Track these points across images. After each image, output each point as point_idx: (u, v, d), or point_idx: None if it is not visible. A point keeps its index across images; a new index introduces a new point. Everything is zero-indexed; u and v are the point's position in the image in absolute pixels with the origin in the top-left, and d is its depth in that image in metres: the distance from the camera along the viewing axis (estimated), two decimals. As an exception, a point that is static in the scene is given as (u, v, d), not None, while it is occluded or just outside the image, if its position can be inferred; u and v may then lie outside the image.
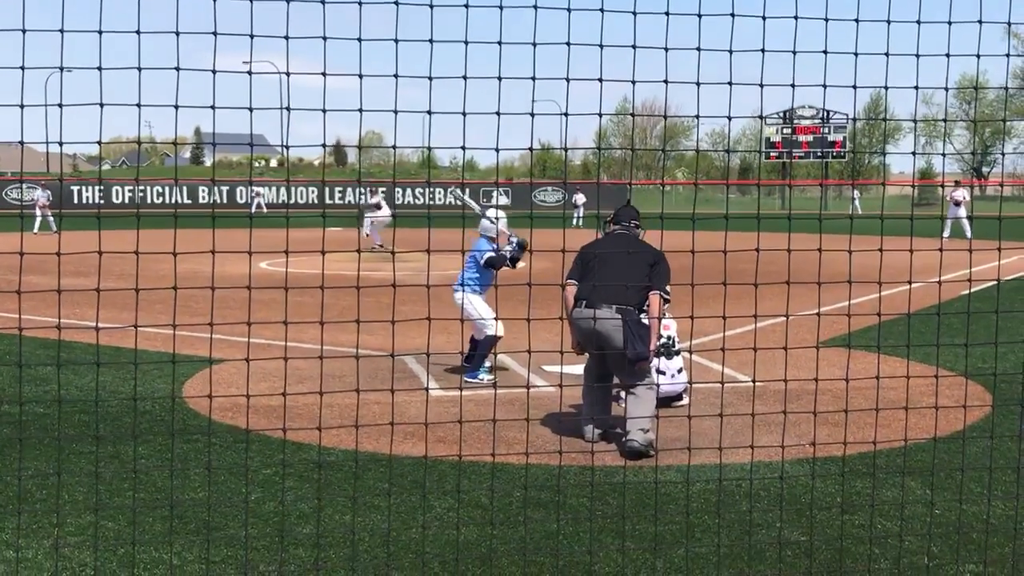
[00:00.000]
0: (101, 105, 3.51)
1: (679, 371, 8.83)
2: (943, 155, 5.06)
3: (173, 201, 58.43)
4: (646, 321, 7.43)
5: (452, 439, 7.30)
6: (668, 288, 7.61)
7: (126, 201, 58.18)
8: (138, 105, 3.66)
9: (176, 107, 3.66)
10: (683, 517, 5.77)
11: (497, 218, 9.93)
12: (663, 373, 8.68)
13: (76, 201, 56.20)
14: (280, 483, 6.36)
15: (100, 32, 3.59)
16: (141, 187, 59.27)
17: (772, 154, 67.62)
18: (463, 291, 9.50)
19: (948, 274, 5.51)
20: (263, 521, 5.69)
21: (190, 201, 59.68)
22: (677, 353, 8.90)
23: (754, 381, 5.34)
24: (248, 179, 61.80)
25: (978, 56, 4.63)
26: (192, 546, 5.26)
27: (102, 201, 57.26)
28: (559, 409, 8.12)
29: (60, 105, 3.57)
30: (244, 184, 59.35)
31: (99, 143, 3.66)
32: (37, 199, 38.21)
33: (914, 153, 4.77)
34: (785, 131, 65.96)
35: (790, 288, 4.75)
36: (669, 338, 8.96)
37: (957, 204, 32.10)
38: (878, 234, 4.88)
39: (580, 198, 48.50)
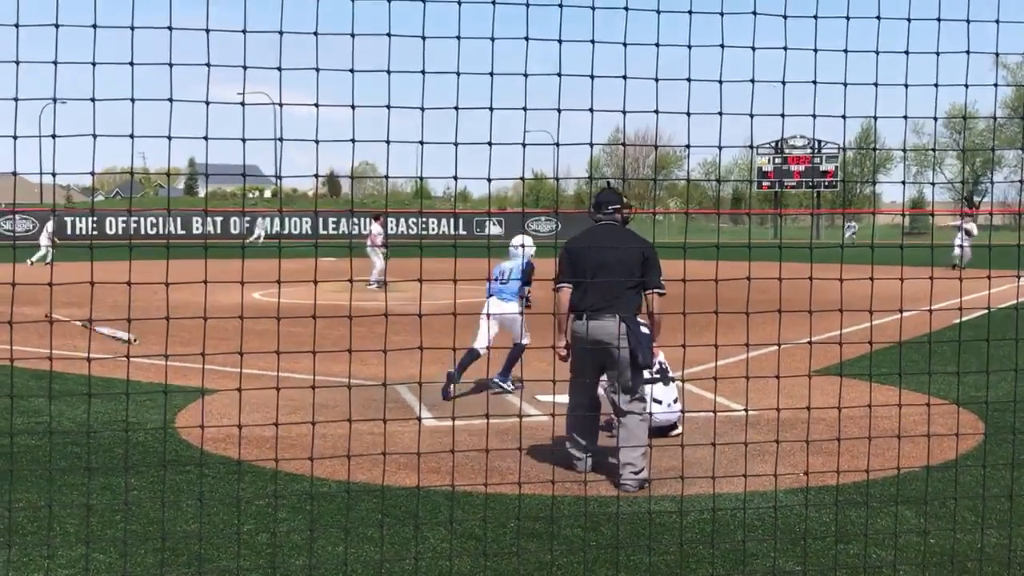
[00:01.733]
0: (94, 136, 3.53)
1: (675, 400, 8.82)
2: (932, 184, 5.09)
3: (167, 232, 58.40)
4: (644, 329, 7.34)
5: (445, 469, 7.28)
6: (662, 281, 7.37)
7: (120, 232, 58.14)
8: (131, 136, 3.68)
9: (169, 138, 3.68)
10: (677, 547, 5.75)
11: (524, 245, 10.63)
12: (659, 402, 8.65)
13: (70, 232, 56.15)
14: (273, 514, 6.34)
15: (94, 64, 3.61)
16: (135, 218, 59.25)
17: (764, 184, 67.89)
18: (518, 301, 10.26)
19: (939, 303, 5.53)
20: (256, 553, 5.66)
21: (184, 232, 59.67)
22: (672, 380, 8.89)
23: (747, 410, 5.35)
24: (241, 209, 61.82)
25: (966, 86, 4.68)
26: (184, 578, 5.23)
27: (96, 232, 57.18)
28: (552, 438, 8.11)
29: (53, 136, 3.59)
30: (237, 214, 59.39)
31: (92, 174, 3.67)
32: (47, 232, 38.23)
33: (903, 183, 4.80)
34: (777, 161, 66.28)
35: (782, 317, 4.76)
36: (663, 365, 8.94)
37: (968, 234, 32.23)
38: (869, 263, 4.90)
39: None
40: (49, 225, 38.42)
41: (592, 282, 7.25)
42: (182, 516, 6.34)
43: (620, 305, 7.25)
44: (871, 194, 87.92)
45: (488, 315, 10.11)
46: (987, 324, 5.71)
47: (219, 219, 60.96)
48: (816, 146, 64.27)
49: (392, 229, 62.06)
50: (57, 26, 3.53)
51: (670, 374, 8.94)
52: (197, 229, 59.33)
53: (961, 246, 31.03)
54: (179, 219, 60.64)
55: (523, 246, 10.71)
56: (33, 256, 35.89)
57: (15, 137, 3.56)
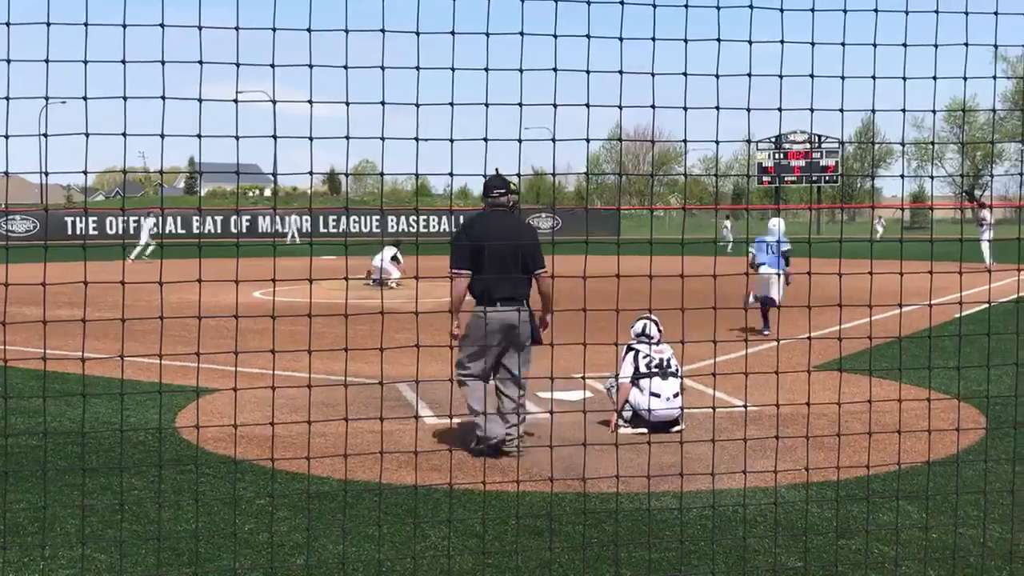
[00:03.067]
0: (87, 135, 3.51)
1: (675, 395, 8.80)
2: (931, 177, 5.08)
3: (166, 231, 58.30)
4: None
5: (446, 467, 7.27)
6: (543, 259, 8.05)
7: (120, 232, 58.04)
8: (123, 135, 3.66)
9: (162, 136, 3.66)
10: (678, 544, 5.74)
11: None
12: (658, 396, 8.65)
13: (69, 232, 56.07)
14: (271, 514, 6.33)
15: (85, 62, 3.59)
16: (134, 217, 59.17)
17: (765, 179, 67.78)
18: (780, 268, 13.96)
19: (939, 297, 5.52)
20: (256, 552, 5.65)
21: (184, 231, 59.62)
22: (674, 375, 8.87)
23: (746, 406, 5.33)
24: (235, 208, 61.80)
25: (965, 79, 4.66)
26: (184, 578, 5.22)
27: (96, 232, 57.12)
28: (551, 435, 8.09)
29: (45, 135, 3.57)
30: (234, 213, 59.32)
31: (85, 173, 3.66)
32: (147, 228, 38.49)
33: (903, 176, 4.79)
34: (777, 156, 66.17)
35: (780, 312, 4.74)
36: (662, 360, 8.93)
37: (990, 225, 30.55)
38: (869, 258, 4.88)
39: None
40: (149, 221, 38.68)
41: (498, 272, 7.81)
42: (183, 516, 6.33)
43: (522, 291, 7.93)
44: (871, 188, 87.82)
45: (762, 275, 13.74)
46: (988, 318, 5.70)
47: (219, 218, 60.88)
48: (816, 141, 64.14)
49: (392, 227, 62.01)
50: (48, 24, 3.51)
51: (672, 369, 8.92)
52: (198, 228, 59.28)
53: (990, 241, 28.70)
54: (179, 218, 60.55)
55: (777, 227, 14.76)
56: (134, 253, 35.77)
57: (7, 136, 3.54)
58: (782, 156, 66.20)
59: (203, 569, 5.28)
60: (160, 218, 40.11)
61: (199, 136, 3.78)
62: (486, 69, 3.91)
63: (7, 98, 3.47)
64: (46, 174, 3.68)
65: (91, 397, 9.16)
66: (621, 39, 4.12)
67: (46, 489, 6.78)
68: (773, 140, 64.23)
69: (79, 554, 5.54)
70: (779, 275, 13.78)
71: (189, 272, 4.58)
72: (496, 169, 8.17)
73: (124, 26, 3.59)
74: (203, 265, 4.37)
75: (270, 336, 4.94)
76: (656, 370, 8.83)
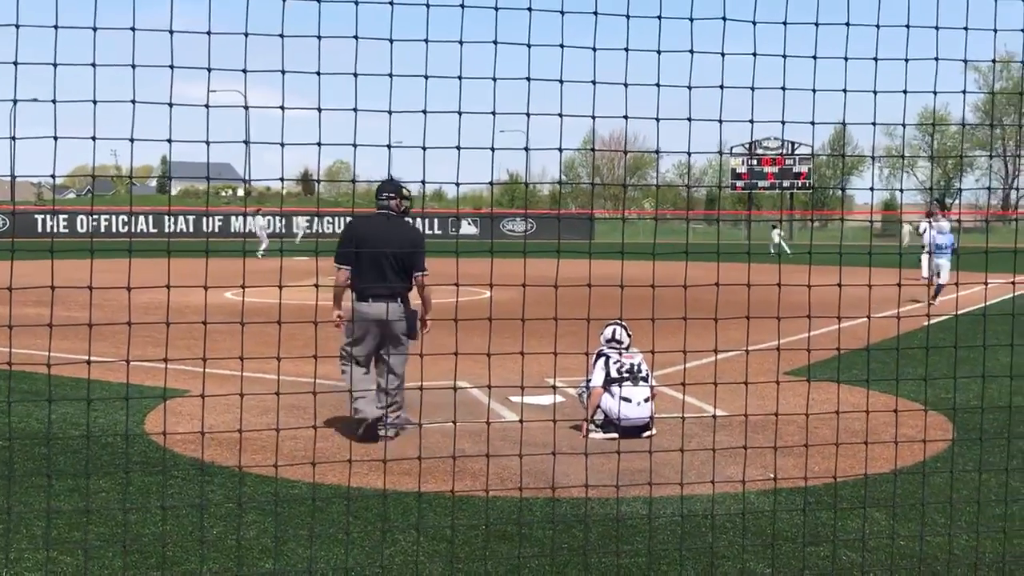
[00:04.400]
0: (55, 138, 3.48)
1: (646, 400, 8.82)
2: (901, 190, 5.12)
3: (137, 230, 57.92)
4: (412, 308, 8.61)
5: (416, 472, 7.24)
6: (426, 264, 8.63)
7: (90, 230, 57.58)
8: (93, 138, 3.64)
9: (132, 140, 3.64)
10: (647, 550, 5.75)
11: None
12: (628, 400, 8.66)
13: (40, 230, 55.53)
14: (243, 517, 6.29)
15: (55, 64, 3.57)
16: (106, 216, 58.68)
17: (738, 185, 68.06)
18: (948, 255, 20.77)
19: (908, 306, 5.56)
20: (224, 555, 5.62)
21: (155, 230, 59.24)
22: (644, 380, 8.89)
23: (715, 416, 5.35)
24: (205, 208, 61.56)
25: (935, 93, 4.70)
26: (150, 582, 5.18)
27: (67, 230, 56.64)
28: (521, 440, 8.09)
29: (13, 138, 3.55)
30: (218, 213, 59.14)
31: (53, 176, 3.63)
32: (261, 227, 38.32)
33: (872, 189, 4.82)
34: (750, 162, 66.43)
35: (750, 321, 4.76)
36: (633, 365, 8.95)
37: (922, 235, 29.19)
38: (838, 265, 4.92)
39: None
40: (259, 219, 38.55)
41: (373, 271, 8.45)
42: (150, 519, 6.28)
43: (398, 288, 8.47)
44: (842, 196, 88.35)
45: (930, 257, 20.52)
46: (955, 327, 5.75)
47: (191, 218, 60.53)
48: (789, 148, 64.43)
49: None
50: (18, 26, 3.48)
51: (642, 374, 8.94)
52: (169, 227, 58.93)
53: (931, 253, 24.24)
54: (151, 217, 60.15)
55: (944, 229, 21.09)
56: (260, 251, 35.46)
57: (-25, 137, 3.52)
58: (755, 162, 66.48)
59: (170, 573, 5.24)
60: (266, 217, 40.05)
61: (170, 141, 3.76)
62: (459, 77, 3.91)
63: (-25, 100, 3.44)
64: (15, 177, 3.65)
65: (51, 402, 9.08)
66: (595, 49, 4.14)
67: (11, 491, 6.71)
68: (746, 146, 64.52)
69: (44, 557, 5.49)
70: (947, 261, 20.44)
71: (161, 271, 4.54)
72: (390, 175, 8.64)
73: (95, 29, 3.56)
74: (174, 265, 4.35)
75: (239, 337, 4.91)
76: (627, 375, 8.85)
